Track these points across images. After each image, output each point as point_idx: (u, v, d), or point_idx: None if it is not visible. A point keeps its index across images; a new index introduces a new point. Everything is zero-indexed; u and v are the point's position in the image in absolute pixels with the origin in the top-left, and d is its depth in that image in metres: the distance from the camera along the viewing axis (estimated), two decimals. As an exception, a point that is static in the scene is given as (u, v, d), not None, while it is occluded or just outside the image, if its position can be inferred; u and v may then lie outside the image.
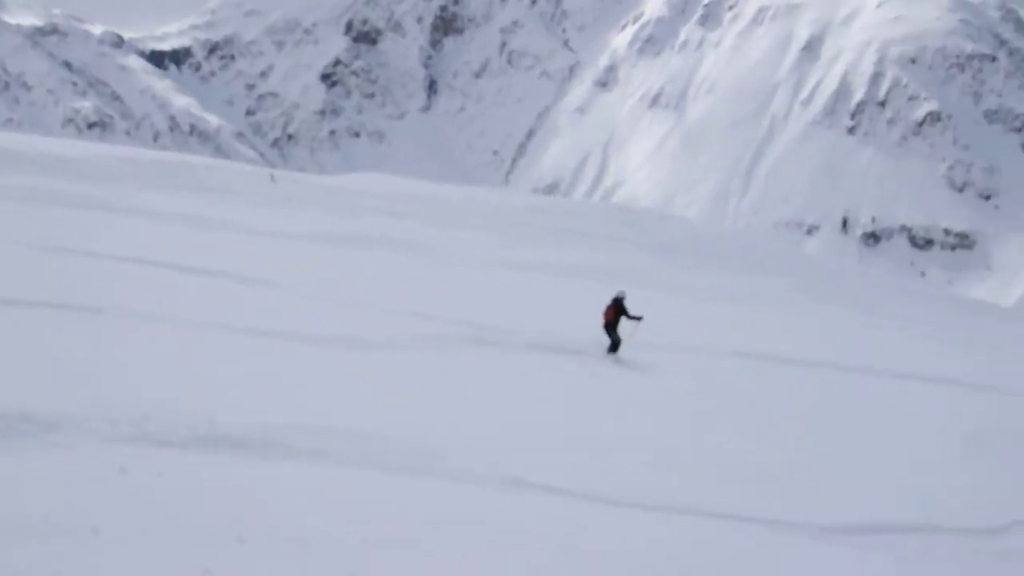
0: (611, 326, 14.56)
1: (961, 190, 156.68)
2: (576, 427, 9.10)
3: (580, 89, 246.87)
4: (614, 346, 14.46)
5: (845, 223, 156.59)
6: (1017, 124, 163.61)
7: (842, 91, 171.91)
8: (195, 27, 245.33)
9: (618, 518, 6.54)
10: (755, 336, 18.40)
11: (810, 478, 7.83)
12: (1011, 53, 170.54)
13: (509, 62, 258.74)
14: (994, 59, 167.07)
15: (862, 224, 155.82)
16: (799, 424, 10.72)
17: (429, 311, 15.03)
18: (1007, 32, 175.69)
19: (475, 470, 7.26)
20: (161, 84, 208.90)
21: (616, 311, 14.62)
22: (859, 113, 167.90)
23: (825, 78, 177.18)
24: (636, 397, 11.18)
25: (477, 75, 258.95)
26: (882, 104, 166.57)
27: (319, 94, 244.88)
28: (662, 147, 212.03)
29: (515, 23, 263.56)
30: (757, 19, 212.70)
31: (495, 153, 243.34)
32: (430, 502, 6.54)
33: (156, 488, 6.01)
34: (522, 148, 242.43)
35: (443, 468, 7.24)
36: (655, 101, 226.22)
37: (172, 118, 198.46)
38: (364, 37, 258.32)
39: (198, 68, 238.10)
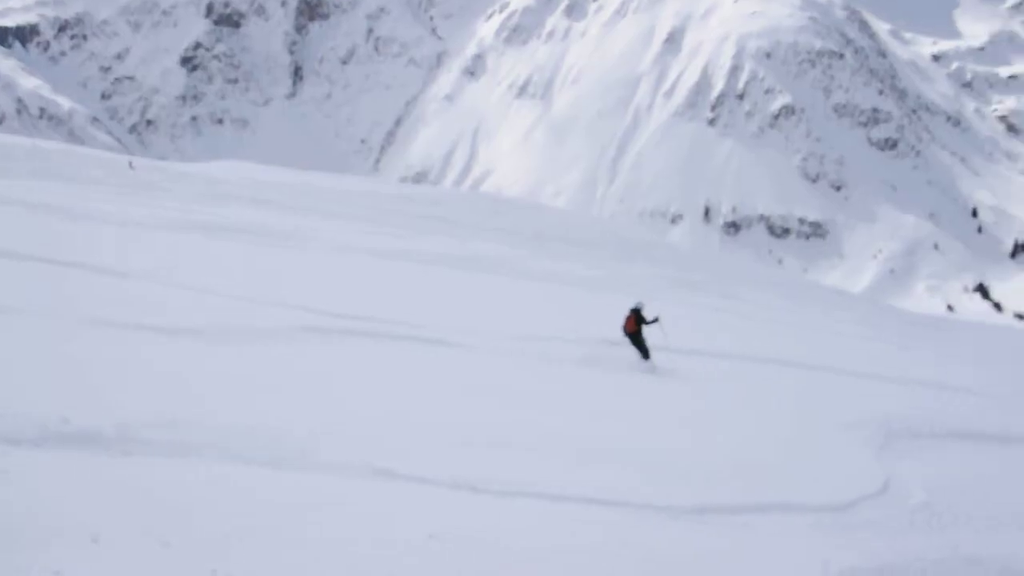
0: (636, 336, 15.01)
1: (815, 181, 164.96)
2: (450, 417, 9.12)
3: (448, 77, 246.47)
4: (646, 354, 14.83)
5: (707, 212, 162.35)
6: (863, 119, 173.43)
7: (703, 83, 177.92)
8: (41, 3, 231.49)
9: (488, 506, 6.60)
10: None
11: (672, 462, 8.10)
12: (856, 51, 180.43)
13: (376, 49, 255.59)
14: (841, 56, 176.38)
15: (723, 213, 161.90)
16: (667, 409, 11.06)
17: (296, 301, 14.75)
18: (852, 31, 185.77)
19: (345, 462, 7.19)
20: (6, 63, 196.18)
21: (636, 321, 15.02)
22: (719, 105, 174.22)
23: (686, 70, 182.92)
24: (506, 385, 11.30)
25: (344, 61, 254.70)
26: (740, 97, 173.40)
27: (179, 78, 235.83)
28: (530, 136, 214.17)
29: (381, 9, 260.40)
30: (621, 10, 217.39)
31: (363, 141, 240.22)
32: (296, 494, 6.44)
33: (3, 488, 5.70)
34: (390, 136, 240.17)
35: (312, 460, 7.13)
36: (522, 91, 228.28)
37: (19, 100, 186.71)
38: (226, 20, 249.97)
39: (47, 47, 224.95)
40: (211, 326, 11.69)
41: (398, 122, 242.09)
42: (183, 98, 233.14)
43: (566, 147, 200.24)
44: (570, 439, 8.44)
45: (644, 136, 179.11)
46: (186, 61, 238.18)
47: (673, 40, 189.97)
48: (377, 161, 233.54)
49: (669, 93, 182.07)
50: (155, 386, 8.62)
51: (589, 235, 52.88)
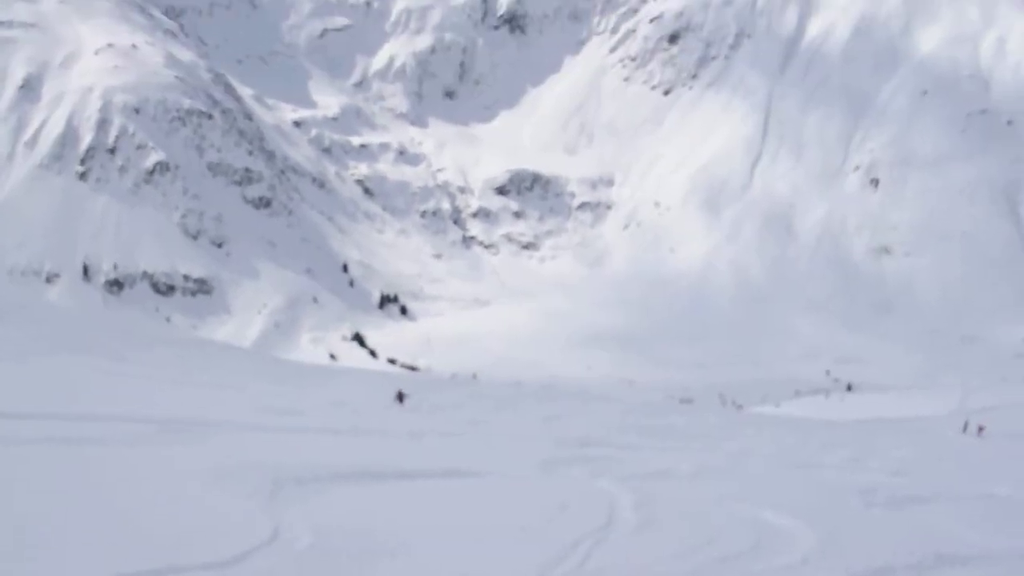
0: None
1: (196, 237, 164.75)
2: None
3: None
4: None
5: (87, 270, 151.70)
6: (237, 178, 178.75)
7: (69, 136, 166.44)
8: None
9: None
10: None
11: (46, 540, 7.37)
12: (224, 112, 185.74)
13: None
14: (211, 116, 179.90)
15: (104, 271, 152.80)
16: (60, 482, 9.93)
17: None
18: (218, 93, 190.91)
19: None
20: None
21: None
22: (89, 159, 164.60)
23: (49, 121, 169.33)
24: None
25: None
26: (112, 151, 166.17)
27: None
28: None
29: None
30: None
31: None
32: None
33: None
34: None
35: None
36: None
37: None
38: None
39: None
40: None
41: None
42: None
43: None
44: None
45: (7, 188, 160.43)
46: None
47: (30, 87, 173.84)
48: None
49: (32, 143, 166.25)
50: None
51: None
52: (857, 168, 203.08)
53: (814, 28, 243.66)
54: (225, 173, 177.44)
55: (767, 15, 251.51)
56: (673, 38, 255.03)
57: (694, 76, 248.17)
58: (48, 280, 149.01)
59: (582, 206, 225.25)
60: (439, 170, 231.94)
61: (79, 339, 36.31)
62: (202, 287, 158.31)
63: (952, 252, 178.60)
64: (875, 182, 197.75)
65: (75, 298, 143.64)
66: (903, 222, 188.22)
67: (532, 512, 11.46)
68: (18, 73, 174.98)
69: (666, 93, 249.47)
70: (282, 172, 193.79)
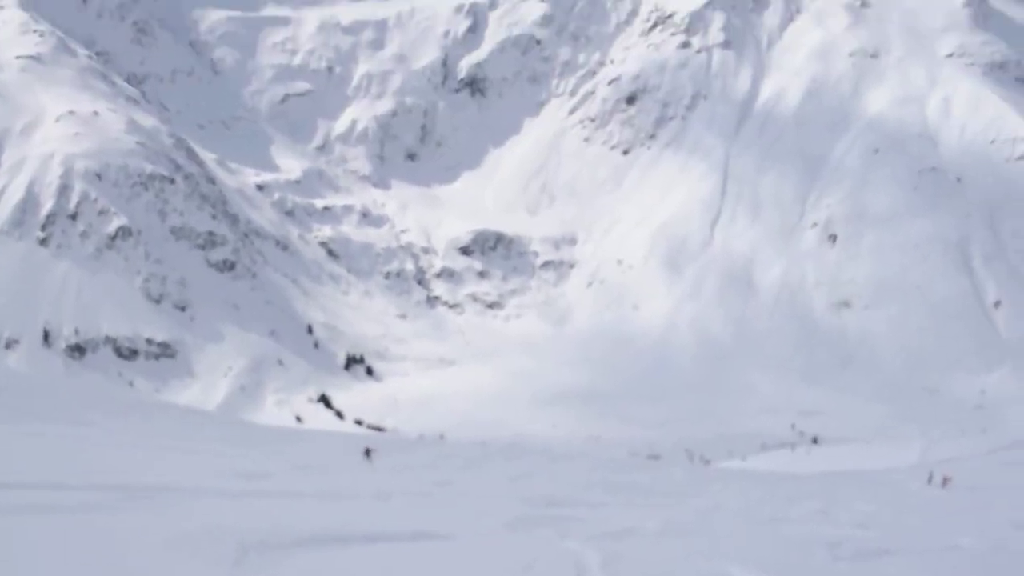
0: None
1: (159, 302, 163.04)
2: None
3: None
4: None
5: (47, 336, 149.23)
6: (200, 241, 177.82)
7: (30, 201, 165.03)
8: None
9: None
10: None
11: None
12: (187, 177, 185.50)
13: None
14: (173, 181, 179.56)
15: (65, 337, 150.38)
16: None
17: None
18: (181, 158, 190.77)
19: None
20: None
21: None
22: (50, 225, 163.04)
23: (9, 187, 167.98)
24: None
25: None
26: (73, 217, 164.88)
27: None
28: None
29: None
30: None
31: None
32: None
33: None
34: None
35: None
36: None
37: None
38: None
39: None
40: None
41: None
42: None
43: None
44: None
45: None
46: None
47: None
48: None
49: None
50: None
51: None
52: (814, 225, 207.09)
53: (767, 90, 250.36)
54: (188, 237, 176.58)
55: (721, 77, 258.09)
56: (631, 99, 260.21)
57: (652, 136, 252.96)
58: (7, 346, 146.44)
59: (545, 265, 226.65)
60: (402, 231, 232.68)
61: (41, 405, 35.82)
62: (165, 351, 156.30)
63: (909, 306, 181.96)
64: (833, 238, 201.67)
65: (35, 364, 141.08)
66: (860, 277, 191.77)
67: (499, 573, 11.48)
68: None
69: (625, 153, 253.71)
70: (245, 235, 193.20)
